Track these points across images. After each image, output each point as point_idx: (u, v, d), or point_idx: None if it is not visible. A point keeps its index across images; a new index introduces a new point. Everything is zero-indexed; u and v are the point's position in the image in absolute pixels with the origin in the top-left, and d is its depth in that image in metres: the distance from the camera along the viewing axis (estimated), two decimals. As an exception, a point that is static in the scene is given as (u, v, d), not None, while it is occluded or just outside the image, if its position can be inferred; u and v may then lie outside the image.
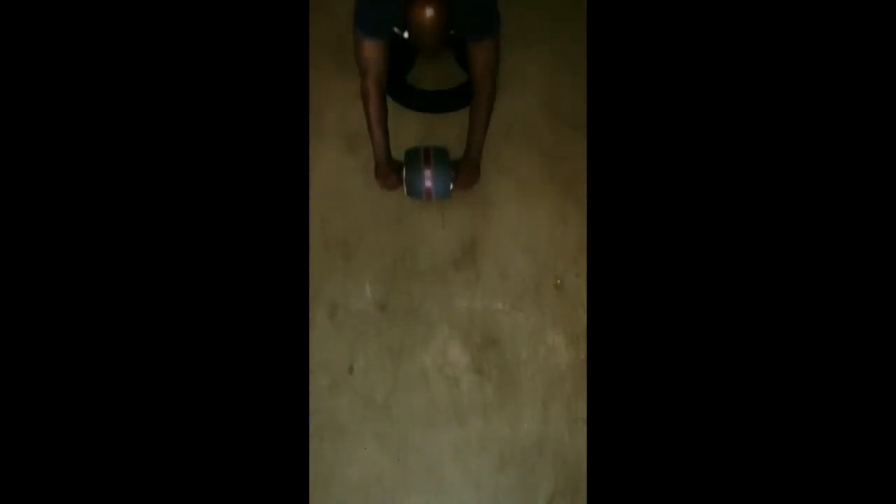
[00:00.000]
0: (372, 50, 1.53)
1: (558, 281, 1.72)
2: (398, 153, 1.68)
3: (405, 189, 1.69)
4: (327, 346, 1.66)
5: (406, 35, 1.42)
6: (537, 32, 1.92)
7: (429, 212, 1.77)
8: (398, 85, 1.86)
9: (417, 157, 1.67)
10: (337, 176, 1.81)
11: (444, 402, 1.63)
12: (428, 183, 1.65)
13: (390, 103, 1.67)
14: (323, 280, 1.70)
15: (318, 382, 1.64)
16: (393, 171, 1.68)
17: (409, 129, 1.84)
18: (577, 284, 1.71)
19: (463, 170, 1.70)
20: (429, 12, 1.33)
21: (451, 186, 1.69)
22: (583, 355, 1.66)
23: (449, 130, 1.82)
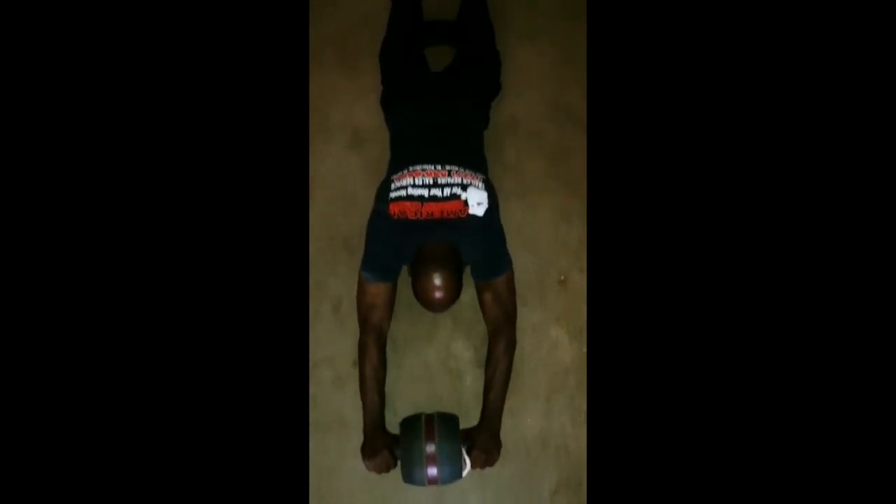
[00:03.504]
0: (378, 295, 1.42)
1: (562, 277, 1.72)
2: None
3: (402, 473, 1.30)
4: (331, 339, 1.66)
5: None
6: (542, 29, 1.92)
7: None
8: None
9: (417, 428, 1.28)
10: (341, 171, 1.81)
11: (447, 395, 1.63)
12: (432, 470, 1.24)
13: None
14: (327, 274, 1.70)
15: (322, 376, 1.64)
16: (385, 447, 1.32)
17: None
18: (581, 280, 1.72)
19: (480, 443, 1.33)
20: (437, 280, 1.31)
21: (465, 467, 1.30)
22: (585, 350, 1.66)
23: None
